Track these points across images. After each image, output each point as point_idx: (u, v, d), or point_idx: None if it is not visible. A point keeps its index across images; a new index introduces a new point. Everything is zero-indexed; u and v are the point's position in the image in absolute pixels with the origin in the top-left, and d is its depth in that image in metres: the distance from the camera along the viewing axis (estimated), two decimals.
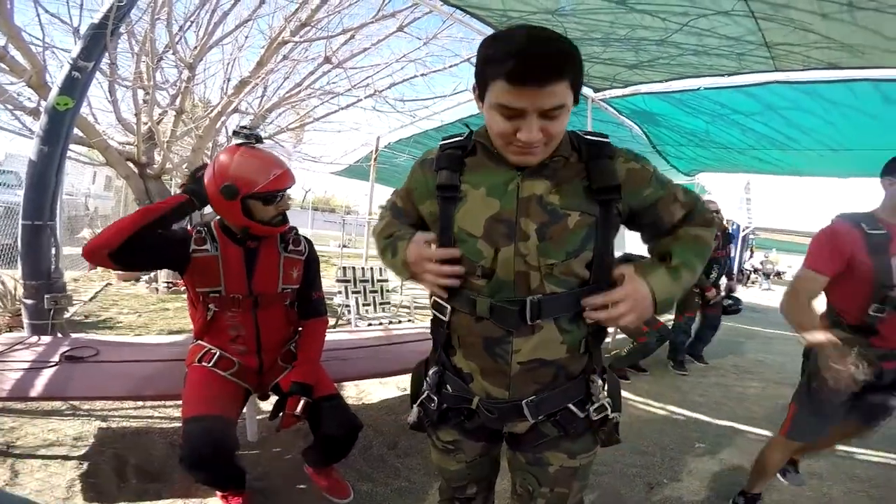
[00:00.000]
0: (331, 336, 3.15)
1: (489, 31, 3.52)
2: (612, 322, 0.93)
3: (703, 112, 4.56)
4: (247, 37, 6.05)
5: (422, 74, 5.98)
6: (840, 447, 2.94)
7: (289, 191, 1.77)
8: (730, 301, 4.82)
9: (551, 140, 0.90)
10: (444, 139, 1.06)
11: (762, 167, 6.33)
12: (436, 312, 1.06)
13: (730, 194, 17.00)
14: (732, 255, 4.84)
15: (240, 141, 1.69)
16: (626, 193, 0.97)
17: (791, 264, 25.47)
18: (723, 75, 3.62)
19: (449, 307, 1.01)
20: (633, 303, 0.90)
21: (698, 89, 3.96)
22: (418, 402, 1.13)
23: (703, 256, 1.01)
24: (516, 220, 0.93)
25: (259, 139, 1.74)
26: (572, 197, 0.94)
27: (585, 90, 4.43)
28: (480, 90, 0.91)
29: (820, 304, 1.74)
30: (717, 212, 4.38)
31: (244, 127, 1.75)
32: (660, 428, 3.01)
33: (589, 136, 0.99)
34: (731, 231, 4.69)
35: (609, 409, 1.03)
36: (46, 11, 3.96)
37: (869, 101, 3.45)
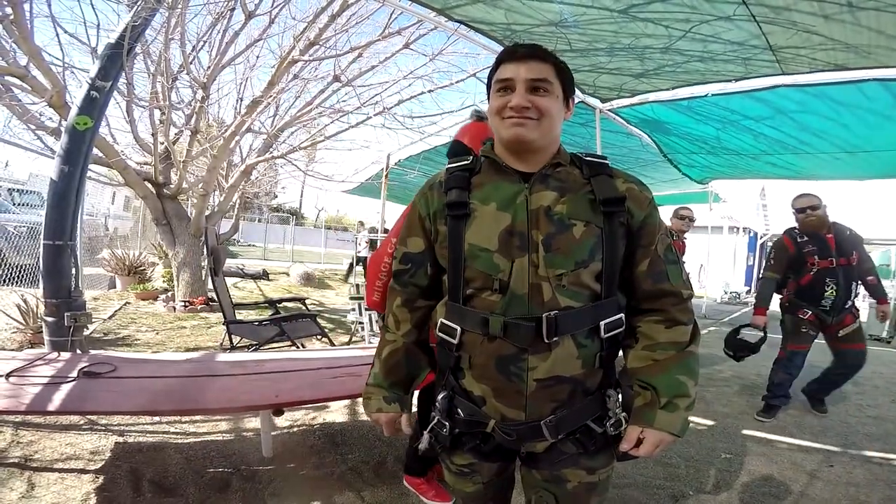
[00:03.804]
0: (345, 352, 3.18)
1: (494, 46, 3.58)
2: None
3: (712, 119, 4.54)
4: (258, 56, 6.22)
5: (429, 91, 6.05)
6: (877, 454, 2.86)
7: None
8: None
9: (541, 117, 0.97)
10: (449, 162, 1.10)
11: (777, 172, 6.26)
12: (443, 335, 1.04)
13: (745, 201, 16.85)
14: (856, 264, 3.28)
15: (482, 117, 1.91)
16: (628, 208, 1.00)
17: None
18: (730, 81, 3.62)
19: (459, 328, 1.00)
20: (661, 448, 0.99)
21: (706, 96, 3.96)
22: (429, 428, 1.10)
23: (688, 367, 1.01)
24: (528, 232, 0.95)
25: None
26: (578, 208, 0.97)
27: (593, 101, 4.45)
28: (489, 91, 1.05)
29: None
30: (816, 207, 3.21)
31: (479, 111, 1.95)
32: (685, 439, 2.91)
33: (589, 157, 1.05)
34: (848, 232, 3.29)
35: (625, 424, 1.02)
36: (65, 31, 4.06)
37: (880, 101, 3.41)
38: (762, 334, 3.42)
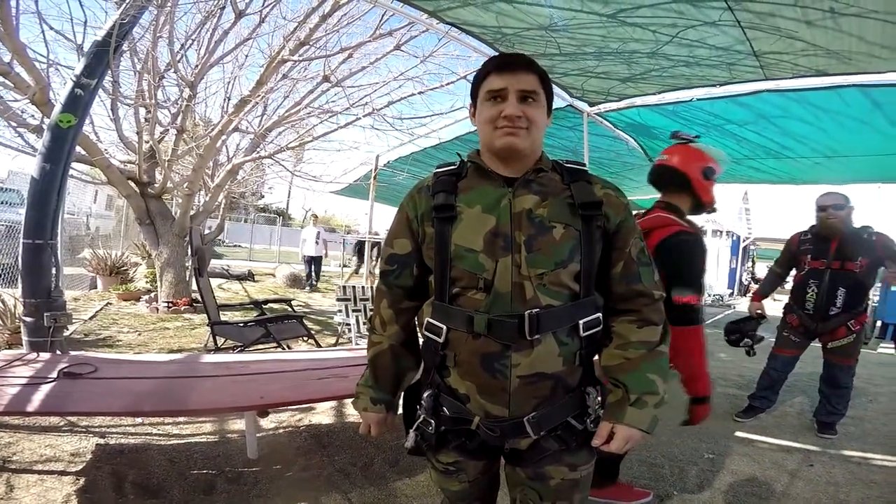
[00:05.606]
0: (331, 354, 3.15)
1: (485, 49, 3.59)
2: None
3: (697, 123, 4.60)
4: (247, 56, 6.21)
5: (419, 92, 6.06)
6: (856, 453, 2.92)
7: None
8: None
9: (531, 126, 1.01)
10: (438, 167, 1.13)
11: (759, 177, 6.36)
12: (429, 334, 1.07)
13: (728, 205, 17.14)
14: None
15: (684, 139, 2.05)
16: (605, 213, 1.04)
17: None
18: (714, 85, 3.67)
19: (444, 327, 1.03)
20: (631, 443, 1.03)
21: (691, 100, 4.01)
22: (414, 426, 1.13)
23: (657, 366, 1.05)
24: (511, 233, 0.99)
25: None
26: (558, 211, 1.01)
27: (580, 104, 4.49)
28: (474, 101, 1.09)
29: None
30: (839, 207, 3.01)
31: (678, 132, 2.07)
32: (668, 439, 2.96)
33: (569, 164, 1.10)
34: (866, 235, 3.05)
35: None
36: (51, 28, 4.05)
37: (858, 106, 3.49)
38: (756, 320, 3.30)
